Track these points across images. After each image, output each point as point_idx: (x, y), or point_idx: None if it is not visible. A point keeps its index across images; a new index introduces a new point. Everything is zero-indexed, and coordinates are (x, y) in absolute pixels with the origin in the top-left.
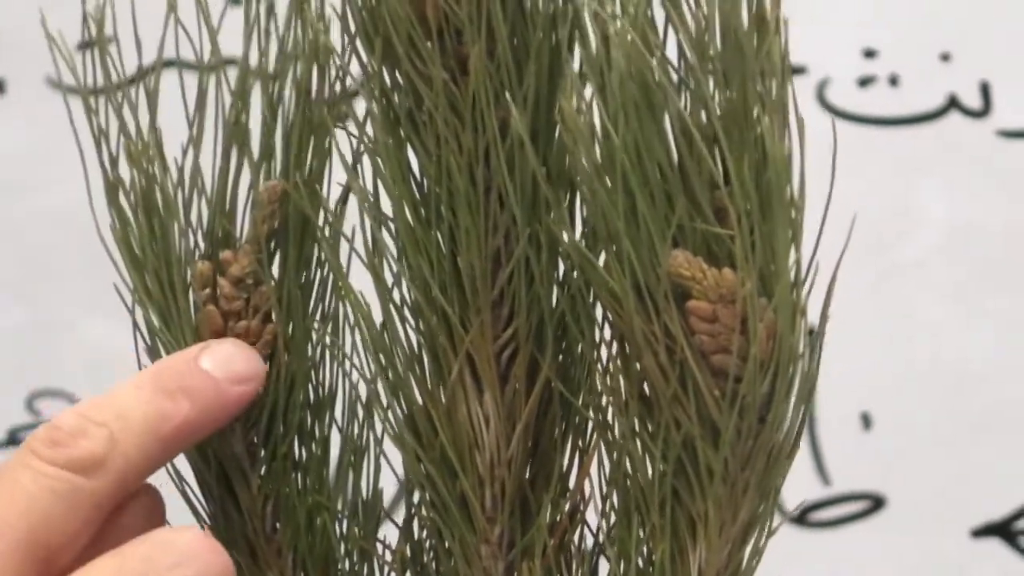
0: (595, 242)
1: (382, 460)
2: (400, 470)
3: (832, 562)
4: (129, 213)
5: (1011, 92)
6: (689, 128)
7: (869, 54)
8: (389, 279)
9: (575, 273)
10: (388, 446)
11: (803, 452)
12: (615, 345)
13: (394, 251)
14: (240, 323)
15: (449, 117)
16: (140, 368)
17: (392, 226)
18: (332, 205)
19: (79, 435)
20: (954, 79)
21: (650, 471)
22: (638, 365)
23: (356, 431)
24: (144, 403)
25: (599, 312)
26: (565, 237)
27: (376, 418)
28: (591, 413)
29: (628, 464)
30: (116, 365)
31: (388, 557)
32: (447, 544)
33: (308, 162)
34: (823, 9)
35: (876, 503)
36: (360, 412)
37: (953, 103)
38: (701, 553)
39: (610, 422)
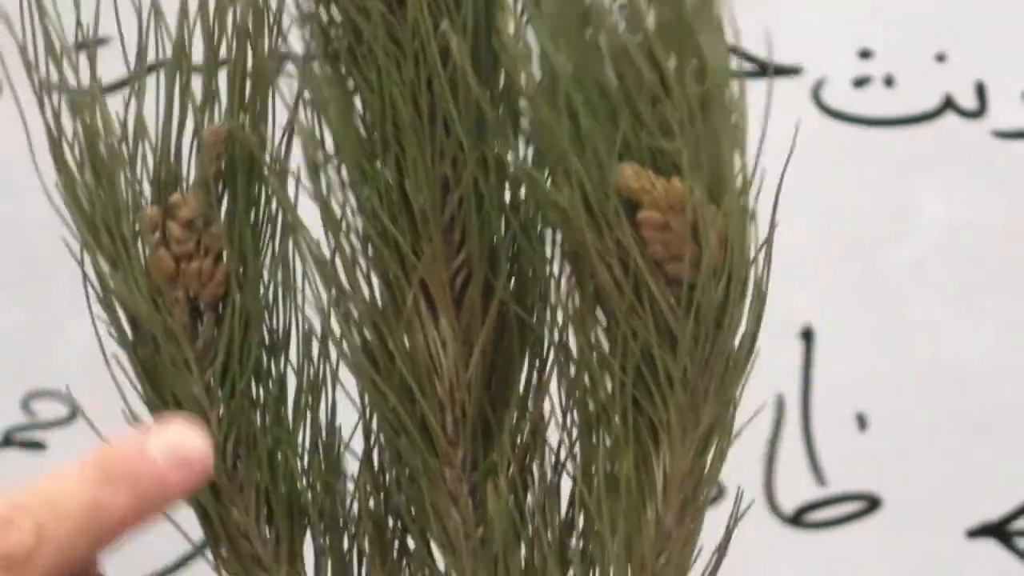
0: (541, 163)
1: (340, 393)
2: (358, 402)
3: (828, 563)
4: (74, 167)
5: (1007, 92)
6: (625, 44)
7: (864, 54)
8: (338, 212)
9: (524, 194)
10: (347, 380)
11: (799, 452)
12: (568, 263)
13: (341, 185)
14: (192, 264)
15: (389, 48)
16: (134, 370)
17: (338, 161)
18: (277, 144)
19: (4, 527)
20: (950, 79)
21: (610, 384)
22: (592, 281)
23: (313, 367)
24: (81, 491)
25: (550, 233)
26: (512, 159)
27: (332, 351)
28: (547, 332)
29: (587, 379)
30: (112, 366)
31: (351, 488)
32: (409, 470)
33: (251, 103)
34: (818, 9)
35: (872, 504)
36: (316, 347)
37: (949, 103)
38: (665, 460)
39: (567, 339)
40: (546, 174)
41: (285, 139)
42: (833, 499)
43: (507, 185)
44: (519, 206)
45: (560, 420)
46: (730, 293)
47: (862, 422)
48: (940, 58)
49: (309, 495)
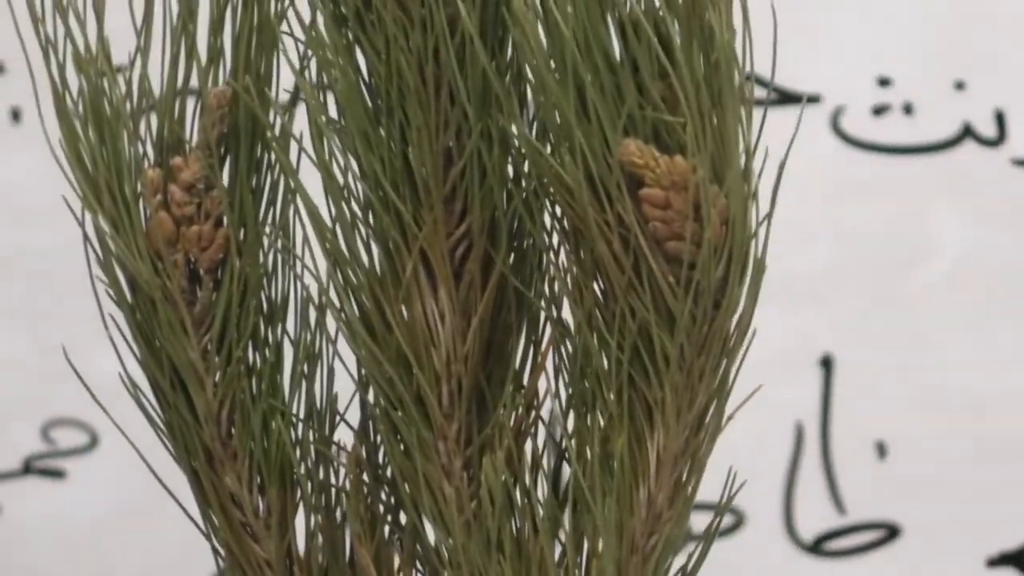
0: (546, 136)
1: (336, 363)
2: (354, 372)
3: None
4: (78, 125)
5: None
6: (637, 16)
7: (884, 83)
8: (340, 179)
9: (527, 166)
10: (343, 349)
11: (818, 481)
12: (568, 238)
13: (344, 151)
14: (192, 228)
15: (397, 15)
16: (130, 329)
17: (342, 126)
18: (282, 108)
19: None
20: (969, 108)
21: (606, 361)
22: (591, 255)
23: (309, 335)
24: None
25: (551, 207)
26: (516, 131)
27: (330, 319)
28: (545, 305)
29: (583, 355)
30: (109, 327)
31: (344, 459)
32: (404, 443)
33: (256, 65)
34: (837, 38)
35: (892, 532)
36: (313, 315)
37: (968, 132)
38: (659, 439)
39: (565, 317)
40: (549, 147)
41: (289, 103)
42: (853, 527)
43: (510, 157)
44: (521, 179)
45: (555, 396)
46: (730, 273)
47: (881, 450)
48: (959, 86)
49: (303, 466)
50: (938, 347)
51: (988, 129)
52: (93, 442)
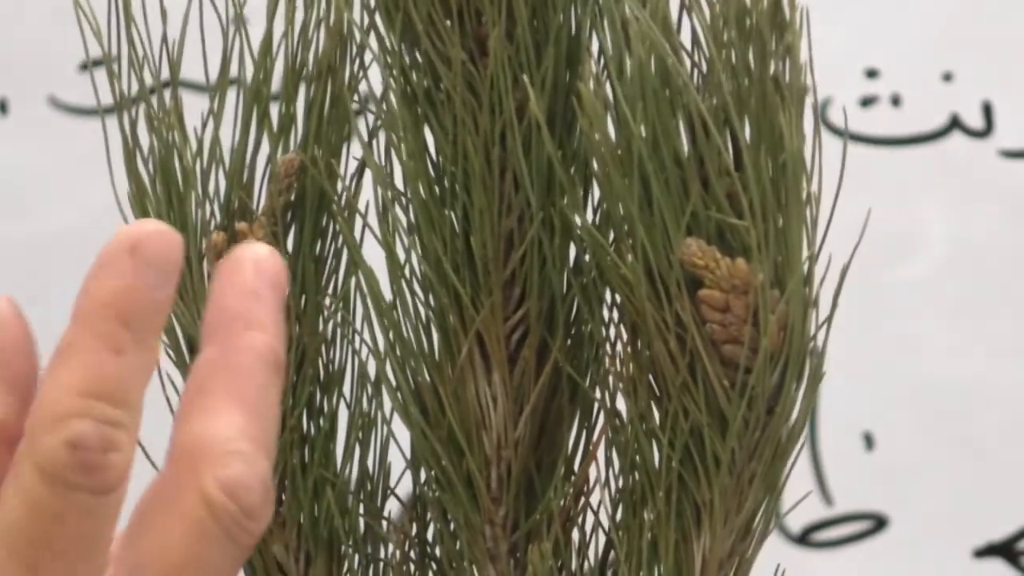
0: (608, 227)
1: (390, 438)
2: (407, 448)
3: None
4: (147, 181)
5: (1013, 112)
6: (704, 116)
7: (871, 74)
8: (402, 256)
9: (587, 257)
10: (396, 424)
11: (805, 472)
12: (625, 331)
13: (407, 228)
14: None
15: (467, 97)
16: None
17: (406, 203)
18: (348, 180)
19: (108, 449)
20: (956, 99)
21: (657, 458)
22: (648, 352)
23: (364, 407)
24: (124, 367)
25: (609, 297)
26: (578, 221)
27: (384, 395)
28: (599, 396)
29: (635, 449)
30: (166, 386)
31: (392, 534)
32: (451, 524)
33: (327, 136)
34: (825, 29)
35: (879, 523)
36: (369, 389)
37: (955, 123)
38: (705, 541)
39: (618, 407)
40: (611, 239)
41: (356, 175)
42: (840, 519)
43: (571, 245)
44: (582, 267)
45: (605, 489)
46: (786, 380)
47: (869, 442)
48: (947, 78)
49: (351, 538)
50: (925, 338)
51: (976, 120)
52: None
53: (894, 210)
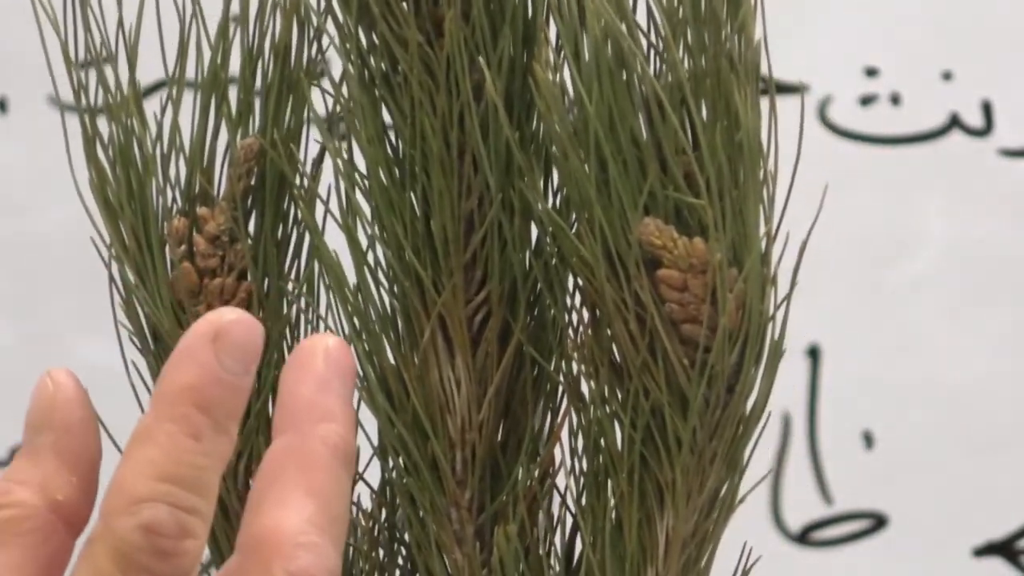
0: (568, 208)
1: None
2: (373, 434)
3: None
4: (107, 167)
5: (1012, 111)
6: (660, 95)
7: (871, 73)
8: (363, 240)
9: (547, 239)
10: (363, 412)
11: (805, 470)
12: (586, 311)
13: (368, 212)
14: (215, 280)
15: (424, 79)
16: (151, 376)
17: (366, 186)
18: (308, 164)
19: (183, 535)
20: (956, 98)
21: (619, 438)
22: (609, 332)
23: None
24: (202, 453)
25: (572, 279)
26: (538, 203)
27: None
28: (562, 378)
29: (598, 430)
30: (114, 384)
31: (361, 520)
32: (419, 509)
33: (285, 120)
34: (825, 28)
35: (878, 522)
36: None
37: (955, 122)
38: (668, 521)
39: (581, 388)
40: (572, 219)
41: (316, 160)
42: (839, 517)
43: (532, 226)
44: (543, 248)
45: (570, 469)
46: (745, 358)
47: (868, 440)
48: (946, 76)
49: None
50: (925, 337)
51: (975, 119)
52: None
53: (893, 209)
